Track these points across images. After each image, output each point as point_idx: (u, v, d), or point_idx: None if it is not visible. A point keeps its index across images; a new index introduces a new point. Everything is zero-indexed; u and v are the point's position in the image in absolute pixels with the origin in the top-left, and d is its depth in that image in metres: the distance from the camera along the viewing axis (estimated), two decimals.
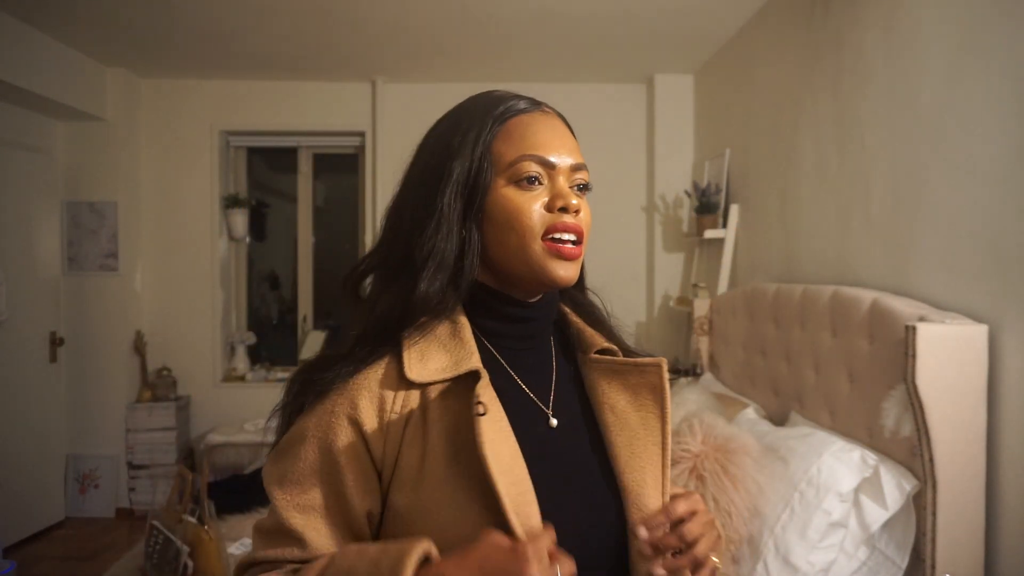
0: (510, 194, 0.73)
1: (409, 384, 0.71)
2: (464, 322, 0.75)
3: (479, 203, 0.73)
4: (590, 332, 0.84)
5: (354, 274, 0.80)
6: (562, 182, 0.74)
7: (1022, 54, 1.50)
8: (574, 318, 0.85)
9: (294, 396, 0.74)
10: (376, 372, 0.72)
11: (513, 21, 3.09)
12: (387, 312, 0.72)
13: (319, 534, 0.70)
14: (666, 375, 0.78)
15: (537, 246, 0.72)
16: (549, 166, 0.74)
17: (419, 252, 0.72)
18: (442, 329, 0.74)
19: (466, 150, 0.73)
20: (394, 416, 0.70)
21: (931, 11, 1.80)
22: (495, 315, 0.78)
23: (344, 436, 0.70)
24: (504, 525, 0.65)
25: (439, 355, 0.72)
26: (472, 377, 0.71)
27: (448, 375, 0.71)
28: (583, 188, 0.77)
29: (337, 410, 0.70)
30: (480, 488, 0.67)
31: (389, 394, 0.71)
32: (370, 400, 0.71)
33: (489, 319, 0.78)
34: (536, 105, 0.78)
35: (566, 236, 0.73)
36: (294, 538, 0.70)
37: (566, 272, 0.73)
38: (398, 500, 0.70)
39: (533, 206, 0.73)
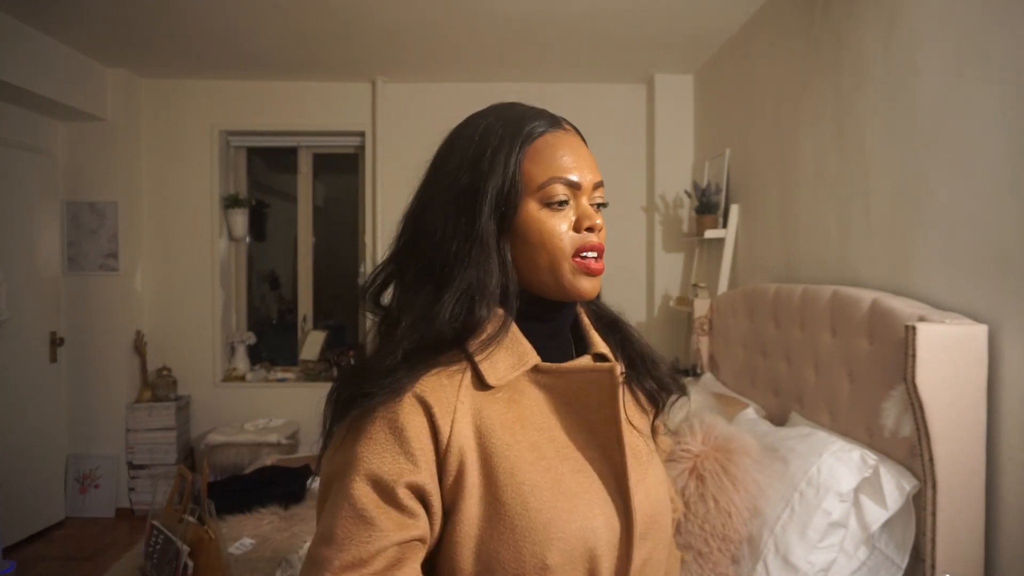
0: (542, 216, 0.77)
1: (482, 387, 0.76)
2: (508, 319, 0.78)
3: (509, 223, 0.77)
4: (595, 335, 0.88)
5: (374, 284, 0.83)
6: (585, 202, 0.79)
7: (1021, 55, 1.50)
8: (584, 319, 0.90)
9: (336, 406, 0.74)
10: (440, 377, 0.74)
11: (513, 21, 3.09)
12: (443, 330, 0.74)
13: (389, 517, 0.68)
14: (615, 384, 0.78)
15: (567, 265, 0.78)
16: (575, 187, 0.79)
17: (474, 279, 0.75)
18: (494, 331, 0.77)
19: (497, 171, 0.76)
20: (460, 414, 0.73)
21: (931, 11, 1.80)
22: (526, 315, 0.80)
23: (415, 421, 0.71)
24: (618, 477, 0.77)
25: (504, 356, 0.77)
26: (533, 368, 0.78)
27: (517, 372, 0.77)
28: (601, 205, 0.82)
29: (404, 402, 0.71)
30: (583, 461, 0.77)
31: (451, 395, 0.73)
32: (438, 398, 0.72)
33: (520, 319, 0.80)
34: (557, 123, 0.82)
35: (591, 253, 0.79)
36: (367, 522, 0.67)
37: (592, 286, 0.79)
38: (491, 494, 0.71)
39: (563, 227, 0.78)
